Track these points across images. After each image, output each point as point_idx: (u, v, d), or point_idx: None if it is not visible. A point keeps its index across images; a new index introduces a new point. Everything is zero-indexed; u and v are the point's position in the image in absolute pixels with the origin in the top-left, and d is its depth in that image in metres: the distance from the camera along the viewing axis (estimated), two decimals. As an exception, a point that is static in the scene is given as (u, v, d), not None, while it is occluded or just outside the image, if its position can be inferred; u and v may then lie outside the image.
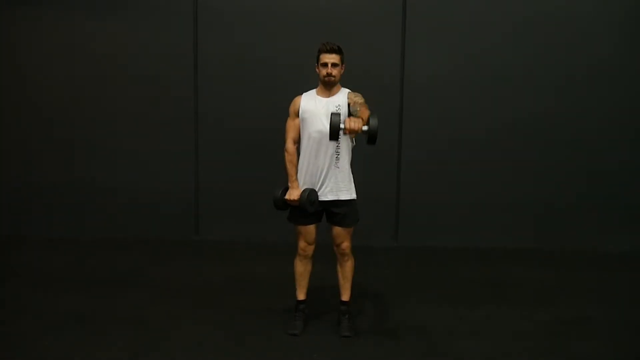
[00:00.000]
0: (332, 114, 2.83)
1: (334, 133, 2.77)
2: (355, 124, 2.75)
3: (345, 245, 3.29)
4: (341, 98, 3.19)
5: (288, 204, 3.20)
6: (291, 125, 3.24)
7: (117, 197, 5.44)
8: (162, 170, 5.40)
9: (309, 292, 3.43)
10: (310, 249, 3.31)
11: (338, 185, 3.20)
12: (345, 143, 3.20)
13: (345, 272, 3.36)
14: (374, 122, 2.76)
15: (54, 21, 5.33)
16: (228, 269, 4.57)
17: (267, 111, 5.03)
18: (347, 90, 3.24)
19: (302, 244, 3.30)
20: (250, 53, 5.23)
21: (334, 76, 3.14)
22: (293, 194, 3.15)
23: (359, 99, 3.10)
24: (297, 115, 3.21)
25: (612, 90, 5.14)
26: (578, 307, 3.78)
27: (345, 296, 3.38)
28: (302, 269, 3.36)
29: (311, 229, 3.27)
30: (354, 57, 5.08)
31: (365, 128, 2.76)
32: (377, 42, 5.17)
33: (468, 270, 4.61)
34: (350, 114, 3.00)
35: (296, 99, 3.25)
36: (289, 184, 3.21)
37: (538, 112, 5.17)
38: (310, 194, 3.11)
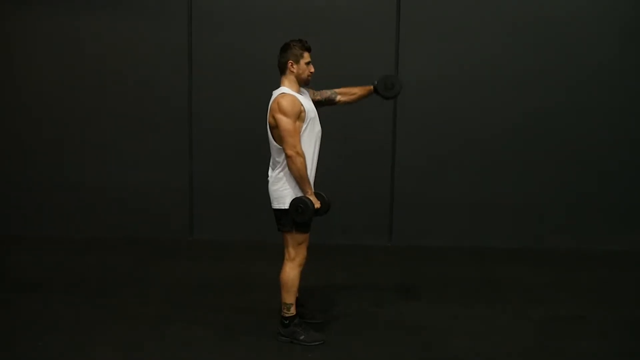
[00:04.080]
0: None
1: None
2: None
3: None
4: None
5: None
6: (297, 127, 3.02)
7: (110, 197, 5.40)
8: (156, 169, 5.37)
9: (300, 293, 3.36)
10: None
11: None
12: None
13: None
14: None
15: (46, 21, 5.28)
16: (222, 269, 4.56)
17: (261, 110, 4.94)
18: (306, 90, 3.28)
19: (305, 252, 3.18)
20: (243, 52, 5.20)
21: None
22: (317, 202, 3.05)
23: None
24: (299, 117, 3.05)
25: (612, 90, 5.13)
26: (574, 306, 3.80)
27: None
28: (298, 279, 3.19)
29: None
30: (347, 56, 5.12)
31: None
32: (370, 42, 5.16)
33: (463, 269, 4.62)
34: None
35: (294, 99, 3.04)
36: (309, 191, 3.04)
37: (535, 112, 5.16)
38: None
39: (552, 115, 5.18)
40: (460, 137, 5.23)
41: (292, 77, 3.14)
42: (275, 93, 3.13)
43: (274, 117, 3.05)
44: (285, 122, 2.99)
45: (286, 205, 3.06)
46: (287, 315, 3.17)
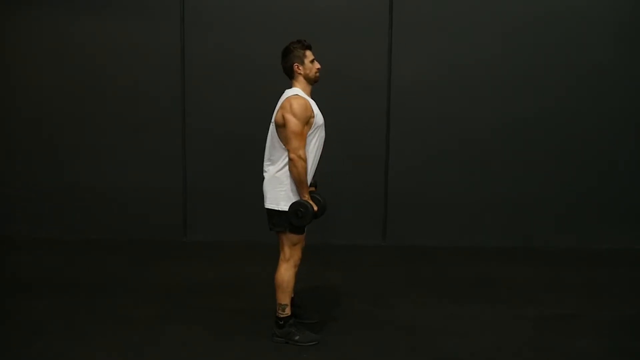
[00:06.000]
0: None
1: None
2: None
3: None
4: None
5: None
6: (304, 132, 3.01)
7: (105, 198, 5.39)
8: (150, 171, 5.36)
9: (295, 293, 3.36)
10: None
11: None
12: None
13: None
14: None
15: (41, 22, 5.26)
16: (216, 270, 4.55)
17: (254, 112, 4.99)
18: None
19: (300, 252, 3.17)
20: (237, 54, 5.21)
21: None
22: (315, 206, 3.04)
23: None
24: (307, 122, 3.02)
25: (611, 90, 5.15)
26: (572, 305, 3.81)
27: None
28: (294, 279, 3.20)
29: None
30: (341, 57, 5.12)
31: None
32: (364, 42, 5.17)
33: (459, 269, 4.64)
34: None
35: (307, 103, 3.02)
36: (306, 195, 3.03)
37: (533, 112, 5.18)
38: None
39: (551, 115, 5.20)
40: (455, 137, 5.24)
41: (301, 79, 3.11)
42: (289, 92, 3.10)
43: (283, 116, 3.00)
44: (293, 123, 2.96)
45: (279, 206, 3.04)
46: (282, 315, 3.16)
